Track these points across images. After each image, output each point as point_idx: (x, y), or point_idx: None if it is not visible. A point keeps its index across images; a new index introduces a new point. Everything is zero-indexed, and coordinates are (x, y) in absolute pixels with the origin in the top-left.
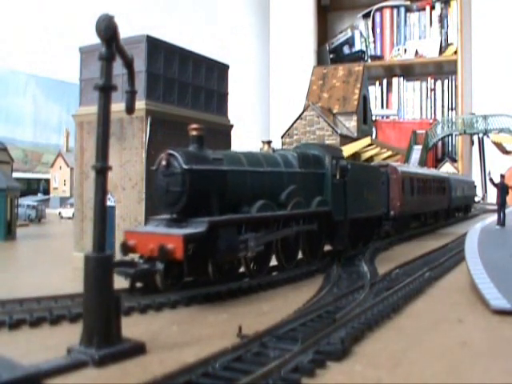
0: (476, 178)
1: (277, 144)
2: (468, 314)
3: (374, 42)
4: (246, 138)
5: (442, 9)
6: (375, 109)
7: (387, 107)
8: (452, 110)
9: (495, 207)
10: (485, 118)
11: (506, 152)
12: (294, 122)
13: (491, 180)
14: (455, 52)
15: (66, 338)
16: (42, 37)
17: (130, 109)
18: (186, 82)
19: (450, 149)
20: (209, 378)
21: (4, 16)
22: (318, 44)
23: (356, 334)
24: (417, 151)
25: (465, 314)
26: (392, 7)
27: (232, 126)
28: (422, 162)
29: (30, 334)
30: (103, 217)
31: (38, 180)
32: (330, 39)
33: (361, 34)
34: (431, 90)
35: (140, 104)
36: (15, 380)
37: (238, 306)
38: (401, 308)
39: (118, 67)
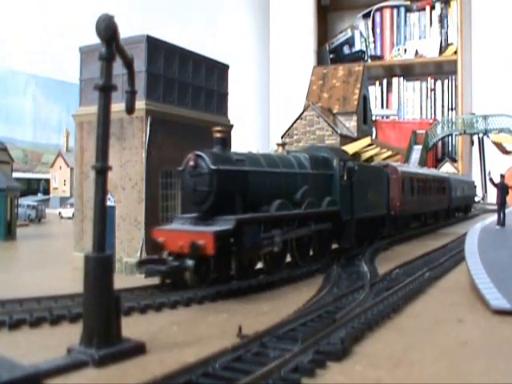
0: (476, 178)
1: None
2: (468, 313)
3: (374, 41)
4: (246, 138)
5: (441, 9)
6: (375, 109)
7: (387, 107)
8: (452, 110)
9: (495, 207)
10: (485, 118)
11: (506, 152)
12: (294, 122)
13: (491, 180)
14: (455, 52)
15: (66, 338)
16: (41, 37)
17: (130, 109)
18: (186, 82)
19: (450, 149)
20: (209, 378)
21: (4, 16)
22: (318, 44)
23: (356, 333)
24: (417, 151)
25: (465, 314)
26: (392, 7)
27: (232, 126)
28: (422, 162)
29: (30, 334)
30: (103, 217)
31: (38, 180)
32: (330, 39)
33: (361, 33)
34: (431, 90)
35: (140, 104)
36: (15, 380)
37: (238, 305)
38: (401, 308)
39: (118, 67)
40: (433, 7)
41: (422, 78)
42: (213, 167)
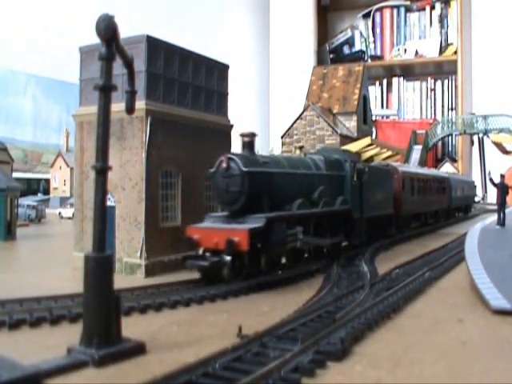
0: (476, 178)
1: (277, 144)
2: (468, 313)
3: (374, 41)
4: None
5: (442, 9)
6: (375, 109)
7: (387, 107)
8: (452, 110)
9: (495, 207)
10: (485, 118)
11: (506, 152)
12: (294, 121)
13: (491, 180)
14: (455, 52)
15: (66, 338)
16: (41, 37)
17: (130, 109)
18: (186, 82)
19: (450, 149)
20: (209, 378)
21: (4, 16)
22: (318, 44)
23: (356, 333)
24: (417, 151)
25: (465, 314)
26: (392, 7)
27: (232, 126)
28: (422, 162)
29: (30, 334)
30: (103, 217)
31: (38, 180)
32: (330, 39)
33: (361, 34)
34: (431, 90)
35: (140, 104)
36: (15, 380)
37: (238, 305)
38: (401, 308)
39: (118, 67)
40: (433, 7)
41: (421, 78)
42: (244, 169)
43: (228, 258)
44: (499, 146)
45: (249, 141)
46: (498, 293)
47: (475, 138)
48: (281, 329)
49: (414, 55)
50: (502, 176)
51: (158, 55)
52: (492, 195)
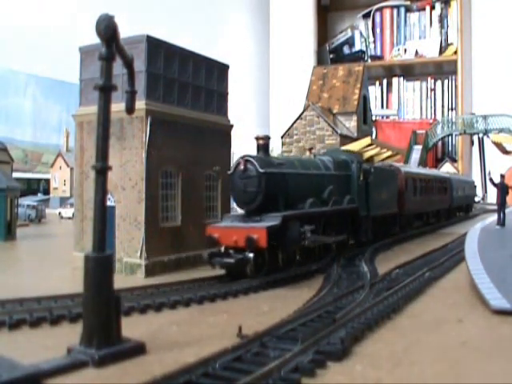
0: (476, 177)
1: (277, 144)
2: (468, 313)
3: (374, 41)
4: (246, 138)
5: (442, 9)
6: (375, 109)
7: (387, 107)
8: (452, 110)
9: (495, 207)
10: (485, 118)
11: (506, 152)
12: (294, 122)
13: (491, 180)
14: (455, 52)
15: (66, 338)
16: (42, 37)
17: (130, 109)
18: (186, 82)
19: (450, 149)
20: (209, 378)
21: (4, 16)
22: (318, 44)
23: (356, 333)
24: (417, 151)
25: (465, 314)
26: (392, 7)
27: (232, 126)
28: (422, 162)
29: (30, 334)
30: (103, 217)
31: (38, 180)
32: (330, 39)
33: (361, 33)
34: (431, 89)
35: (140, 104)
36: (15, 380)
37: (238, 306)
38: (401, 308)
39: (118, 67)
40: (433, 7)
41: (421, 78)
42: (261, 170)
43: (251, 255)
44: (499, 146)
45: (264, 143)
46: (498, 293)
47: (475, 137)
48: (281, 329)
49: (414, 55)
50: (502, 176)
51: (158, 55)
52: (492, 195)
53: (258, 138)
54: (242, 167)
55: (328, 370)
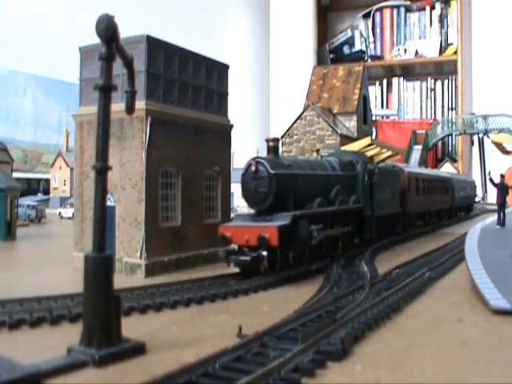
0: (476, 177)
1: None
2: (468, 313)
3: (374, 41)
4: (246, 138)
5: (442, 9)
6: (375, 109)
7: (387, 107)
8: (452, 109)
9: (495, 207)
10: (485, 118)
11: (506, 152)
12: (294, 121)
13: (491, 180)
14: (455, 52)
15: (66, 338)
16: (41, 37)
17: (130, 109)
18: (185, 82)
19: (450, 149)
20: (209, 378)
21: (4, 16)
22: (318, 44)
23: (356, 333)
24: (417, 151)
25: (465, 314)
26: (392, 7)
27: (232, 126)
28: (422, 162)
29: (30, 334)
30: (103, 217)
31: (38, 180)
32: (330, 39)
33: (361, 33)
34: (431, 89)
35: (140, 104)
36: (15, 380)
37: (238, 306)
38: (401, 308)
39: (118, 67)
40: (433, 7)
41: (421, 78)
42: (272, 172)
43: (264, 253)
44: (499, 146)
45: (274, 145)
46: (498, 293)
47: (475, 138)
48: (281, 329)
49: (414, 55)
50: (502, 176)
51: (158, 55)
52: (492, 195)
53: (268, 140)
54: (253, 168)
55: (328, 370)
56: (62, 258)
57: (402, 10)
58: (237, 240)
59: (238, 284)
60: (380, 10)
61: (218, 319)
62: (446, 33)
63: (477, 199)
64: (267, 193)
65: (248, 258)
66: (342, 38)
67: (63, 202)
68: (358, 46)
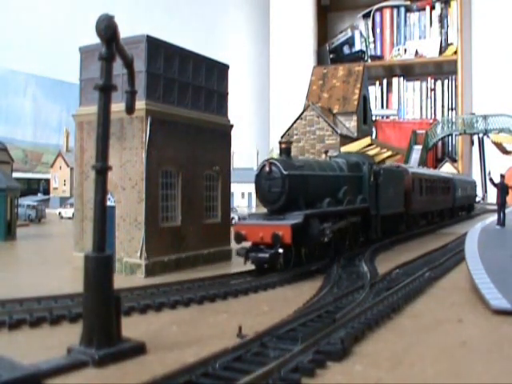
0: (476, 177)
1: (276, 144)
2: (468, 313)
3: (374, 41)
4: (246, 138)
5: (442, 9)
6: (375, 109)
7: (387, 107)
8: (452, 110)
9: (495, 207)
10: (485, 118)
11: (506, 152)
12: (294, 122)
13: (491, 180)
14: (455, 52)
15: (66, 338)
16: (42, 37)
17: (129, 109)
18: (185, 82)
19: (450, 149)
20: (209, 378)
21: (4, 16)
22: (318, 44)
23: (356, 333)
24: (417, 151)
25: (465, 314)
26: (392, 7)
27: (232, 126)
28: (422, 162)
29: (30, 334)
30: (103, 217)
31: (38, 180)
32: (330, 39)
33: (361, 33)
34: (431, 89)
35: (140, 104)
36: (15, 380)
37: (238, 305)
38: (401, 308)
39: (118, 67)
40: (433, 7)
41: (421, 78)
42: (285, 172)
43: (281, 250)
44: (499, 145)
45: (286, 147)
46: (498, 293)
47: (475, 137)
48: (281, 329)
49: (414, 55)
50: (502, 176)
51: (158, 55)
52: (492, 195)
53: (281, 143)
54: (267, 169)
55: (328, 370)
56: (62, 257)
57: (402, 10)
58: (252, 237)
59: (238, 284)
60: (380, 10)
61: (218, 319)
62: (446, 33)
63: (477, 199)
64: (280, 192)
65: (266, 255)
66: (341, 37)
67: (63, 202)
68: (358, 45)
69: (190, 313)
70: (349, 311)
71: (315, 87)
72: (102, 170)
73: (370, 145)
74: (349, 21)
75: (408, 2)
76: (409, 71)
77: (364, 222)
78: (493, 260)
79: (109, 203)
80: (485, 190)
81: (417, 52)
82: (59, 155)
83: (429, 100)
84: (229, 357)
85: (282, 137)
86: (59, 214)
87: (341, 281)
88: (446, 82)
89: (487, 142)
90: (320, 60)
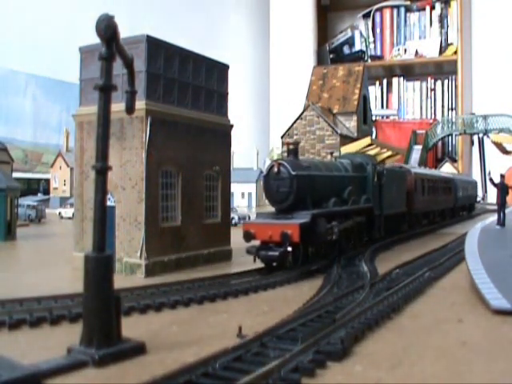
0: (476, 178)
1: (277, 144)
2: (468, 313)
3: (374, 41)
4: (246, 138)
5: (442, 9)
6: (375, 109)
7: (387, 107)
8: (452, 110)
9: (495, 207)
10: (485, 118)
11: (506, 152)
12: (294, 122)
13: (491, 180)
14: (455, 52)
15: (66, 338)
16: (42, 37)
17: (129, 109)
18: (185, 82)
19: (450, 149)
20: (209, 378)
21: (4, 16)
22: (318, 44)
23: (356, 333)
24: (417, 151)
25: (465, 314)
26: (392, 7)
27: (232, 126)
28: (422, 162)
29: (30, 334)
30: (103, 217)
31: (38, 180)
32: (330, 39)
33: (361, 33)
34: (431, 89)
35: (140, 104)
36: (15, 380)
37: (238, 305)
38: (401, 308)
39: (118, 67)
40: (433, 7)
41: (421, 78)
42: (293, 173)
43: (290, 248)
44: (499, 145)
45: (293, 148)
46: (498, 293)
47: (475, 138)
48: (281, 329)
49: (414, 55)
50: (502, 176)
51: (158, 55)
52: (492, 195)
53: (288, 144)
54: (275, 169)
55: (328, 370)
56: (62, 257)
57: (402, 10)
58: (260, 236)
59: (238, 284)
60: (380, 10)
61: (218, 319)
62: (446, 33)
63: (477, 199)
64: (288, 192)
65: (276, 253)
66: (341, 37)
67: (63, 202)
68: (358, 45)
69: (190, 313)
70: (349, 311)
71: (315, 87)
72: (102, 170)
73: (370, 145)
74: (349, 21)
75: (408, 2)
76: (409, 71)
77: (368, 222)
78: (493, 260)
79: (109, 203)
80: (485, 190)
81: (417, 52)
82: (59, 155)
83: (429, 100)
84: (229, 357)
85: (282, 137)
86: (59, 214)
87: (341, 281)
88: (445, 81)
89: (487, 141)
90: (320, 60)
